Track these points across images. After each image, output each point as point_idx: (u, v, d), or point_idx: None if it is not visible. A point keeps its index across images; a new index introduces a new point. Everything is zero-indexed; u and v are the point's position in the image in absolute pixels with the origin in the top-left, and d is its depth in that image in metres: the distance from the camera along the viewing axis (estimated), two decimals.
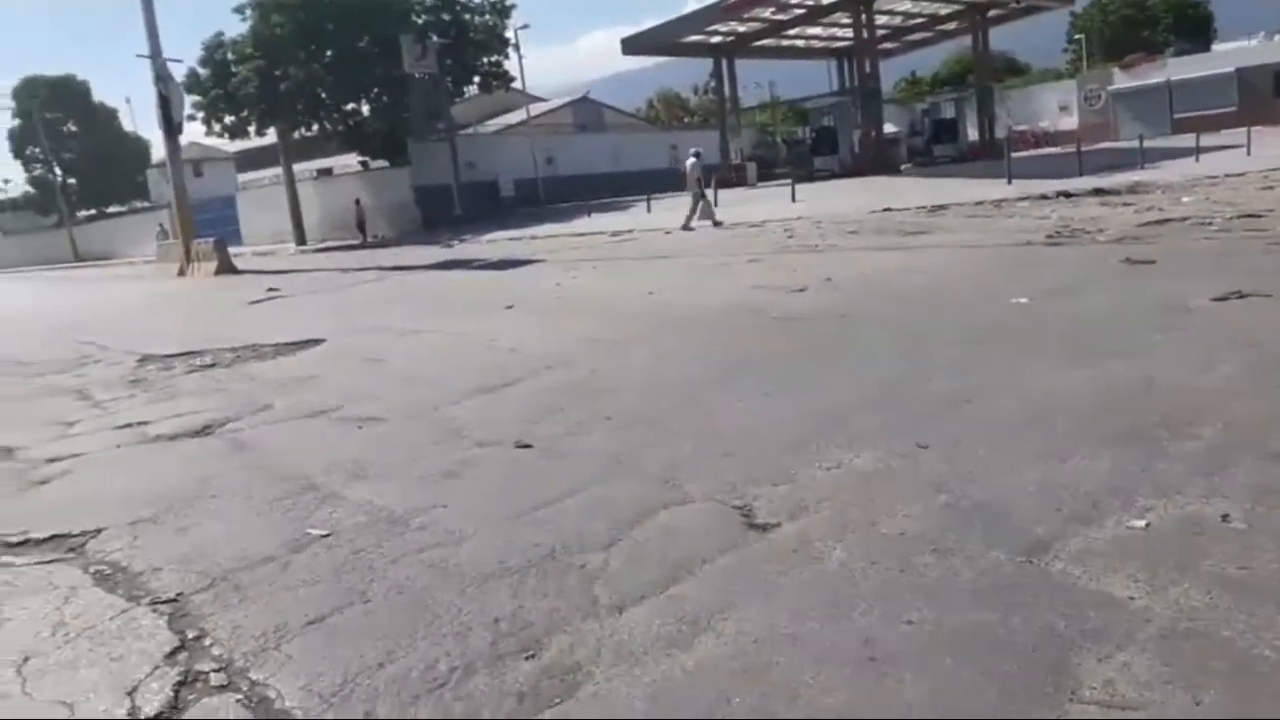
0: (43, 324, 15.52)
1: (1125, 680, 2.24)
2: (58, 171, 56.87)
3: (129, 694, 2.63)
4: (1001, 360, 5.73)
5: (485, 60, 36.51)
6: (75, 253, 53.26)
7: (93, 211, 58.97)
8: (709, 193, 19.57)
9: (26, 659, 2.91)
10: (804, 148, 39.14)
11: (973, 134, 38.91)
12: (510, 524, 3.72)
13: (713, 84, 45.05)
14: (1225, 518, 3.07)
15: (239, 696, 2.60)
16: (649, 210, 27.38)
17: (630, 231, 21.73)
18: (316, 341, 9.45)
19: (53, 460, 5.68)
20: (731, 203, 25.48)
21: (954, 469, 3.85)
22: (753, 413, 5.13)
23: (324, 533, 3.83)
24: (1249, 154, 21.78)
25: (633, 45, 37.68)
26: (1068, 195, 17.21)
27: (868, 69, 33.80)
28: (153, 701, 2.59)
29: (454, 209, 34.48)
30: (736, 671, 2.47)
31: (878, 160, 32.35)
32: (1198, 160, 22.15)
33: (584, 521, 3.67)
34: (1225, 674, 2.22)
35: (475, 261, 18.70)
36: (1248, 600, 2.55)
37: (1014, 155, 25.99)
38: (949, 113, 38.36)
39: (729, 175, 35.55)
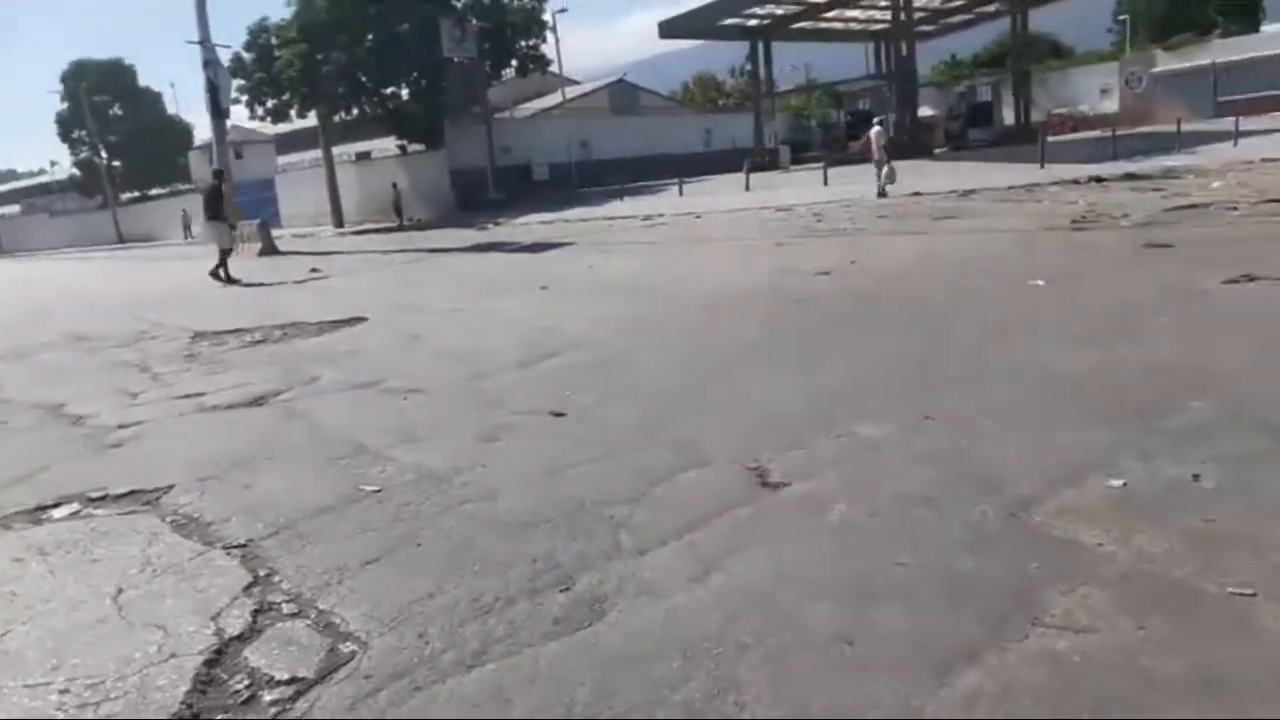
0: (101, 302, 16.12)
1: (1083, 610, 2.55)
2: (103, 154, 58.04)
3: (213, 618, 3.02)
4: (1013, 341, 5.99)
5: (523, 44, 36.86)
6: (119, 234, 54.43)
7: (136, 194, 60.16)
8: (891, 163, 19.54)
9: (120, 590, 3.31)
10: (838, 131, 39.08)
11: (1011, 117, 38.63)
12: (544, 481, 4.08)
13: (750, 67, 45.05)
14: (1196, 478, 3.36)
15: (308, 621, 2.98)
16: (681, 194, 27.62)
17: (661, 215, 22.01)
18: (359, 319, 9.88)
19: (122, 426, 6.12)
20: (763, 186, 25.71)
21: (955, 439, 4.15)
22: (770, 388, 5.44)
23: (375, 488, 4.21)
24: None
25: (670, 29, 37.81)
26: (1099, 180, 17.25)
27: (904, 52, 33.69)
28: (234, 624, 2.98)
29: (489, 192, 34.93)
30: (745, 601, 2.81)
31: (912, 144, 32.29)
32: (1235, 145, 21.99)
33: (612, 480, 4.01)
34: (1170, 606, 2.53)
35: (509, 244, 19.10)
36: (1202, 547, 2.84)
37: (1050, 139, 25.91)
38: (985, 96, 38.09)
39: (762, 159, 35.64)
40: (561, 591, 3.00)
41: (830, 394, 5.14)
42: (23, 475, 5.07)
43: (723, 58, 67.50)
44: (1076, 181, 17.43)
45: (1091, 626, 2.47)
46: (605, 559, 3.21)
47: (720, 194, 25.94)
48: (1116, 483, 3.41)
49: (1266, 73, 40.99)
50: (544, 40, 38.05)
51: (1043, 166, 20.49)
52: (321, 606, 3.07)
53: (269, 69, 32.93)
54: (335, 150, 37.85)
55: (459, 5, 34.21)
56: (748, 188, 26.21)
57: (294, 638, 2.88)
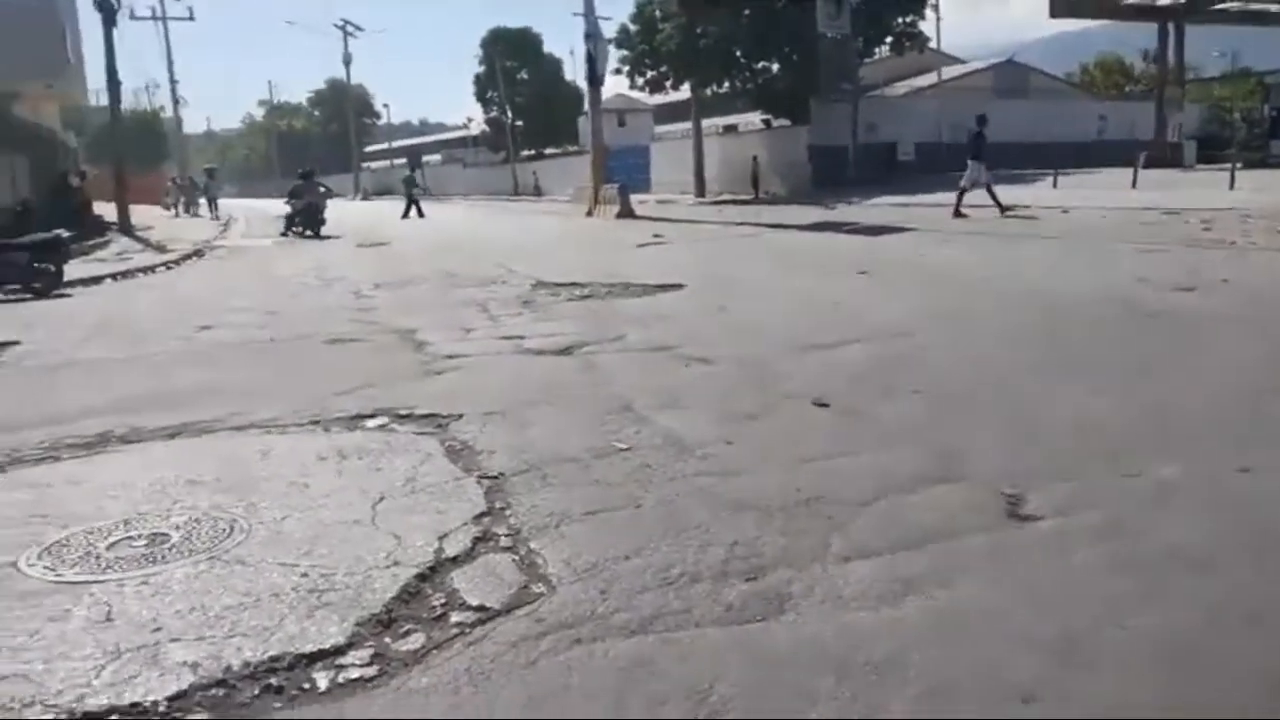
0: (477, 246, 18.18)
1: None
2: (509, 114, 64.61)
3: (440, 538, 3.33)
4: None
5: (900, 20, 35.64)
6: (515, 187, 60.54)
7: (532, 151, 66.38)
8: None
9: (382, 498, 3.76)
10: (1262, 128, 33.73)
11: None
12: (781, 469, 4.01)
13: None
14: None
15: (515, 557, 3.19)
16: (1055, 185, 25.37)
17: (1027, 206, 20.35)
18: (679, 286, 10.24)
19: (449, 357, 6.91)
20: (1154, 185, 22.89)
21: (1269, 495, 3.50)
22: (1071, 406, 4.89)
23: (625, 446, 4.39)
24: None
25: (1062, 7, 34.48)
26: None
27: None
28: (454, 546, 3.27)
29: (847, 170, 34.37)
30: (928, 632, 2.59)
31: None
32: None
33: (849, 480, 3.85)
34: None
35: (847, 225, 18.73)
36: None
37: None
38: None
39: (1160, 154, 31.72)
40: (748, 581, 2.95)
41: (1138, 423, 4.53)
42: (358, 387, 5.90)
43: (1136, 38, 60.59)
44: None
45: None
46: (807, 559, 3.10)
47: (1100, 189, 23.49)
48: None
49: None
50: (922, 17, 36.50)
51: None
52: (532, 546, 3.27)
53: (651, 41, 34.75)
54: (705, 122, 39.14)
55: None
56: (1134, 185, 23.46)
57: (498, 570, 3.10)
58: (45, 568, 3.10)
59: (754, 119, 42.43)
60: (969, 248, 13.41)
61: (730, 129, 44.87)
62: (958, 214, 18.70)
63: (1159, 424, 4.52)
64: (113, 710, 2.30)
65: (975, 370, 5.84)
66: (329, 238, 22.99)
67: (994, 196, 18.89)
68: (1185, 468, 3.85)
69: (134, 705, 2.32)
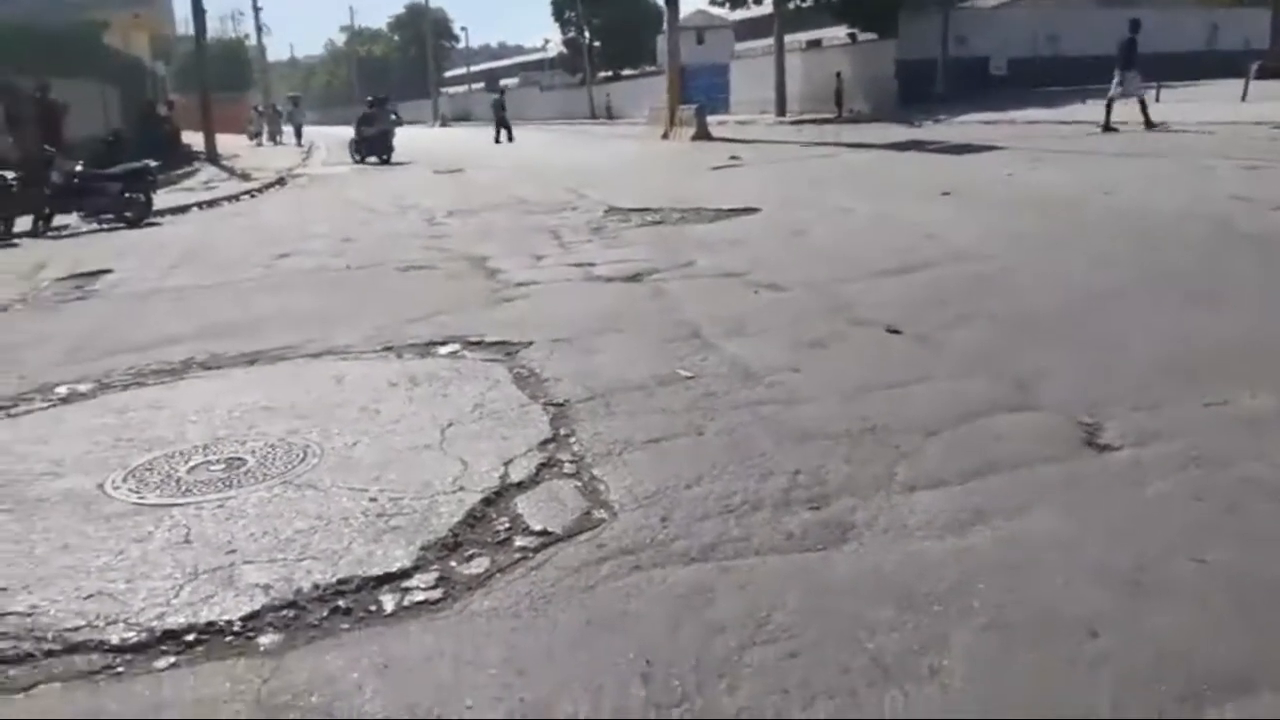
0: (550, 172, 18.08)
1: None
2: (586, 35, 63.59)
3: (505, 464, 3.37)
4: None
5: None
6: (592, 110, 59.90)
7: (609, 73, 65.40)
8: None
9: (450, 424, 3.81)
10: None
11: None
12: (847, 397, 3.93)
13: None
14: None
15: (579, 484, 3.22)
16: (1157, 99, 23.94)
17: (1124, 122, 19.32)
18: (753, 210, 10.04)
19: (520, 284, 6.93)
20: (1268, 98, 21.45)
21: None
22: (1158, 333, 4.69)
23: (689, 374, 4.36)
24: None
25: None
26: None
27: None
28: (519, 472, 3.30)
29: (936, 86, 33.03)
30: (995, 563, 2.54)
31: None
32: None
33: (918, 408, 3.76)
34: None
35: (932, 144, 18.05)
36: None
37: None
38: None
39: (1278, 64, 29.65)
40: (810, 509, 2.92)
41: (1229, 351, 4.31)
42: (430, 314, 5.97)
43: None
44: None
45: None
46: (871, 488, 3.05)
47: (1207, 102, 22.16)
48: None
49: None
50: None
51: None
52: (595, 473, 3.29)
53: None
54: (787, 38, 37.89)
55: None
56: (1244, 98, 22.03)
57: (561, 496, 3.13)
58: (129, 490, 3.24)
59: (839, 33, 40.97)
60: (1060, 167, 12.81)
61: (814, 44, 43.41)
62: (1149, 125, 18.02)
63: (1250, 352, 4.29)
64: (190, 628, 2.40)
65: (1058, 295, 5.62)
66: (399, 164, 23.18)
67: (1109, 111, 18.32)
68: (1276, 399, 3.65)
69: (210, 624, 2.42)
